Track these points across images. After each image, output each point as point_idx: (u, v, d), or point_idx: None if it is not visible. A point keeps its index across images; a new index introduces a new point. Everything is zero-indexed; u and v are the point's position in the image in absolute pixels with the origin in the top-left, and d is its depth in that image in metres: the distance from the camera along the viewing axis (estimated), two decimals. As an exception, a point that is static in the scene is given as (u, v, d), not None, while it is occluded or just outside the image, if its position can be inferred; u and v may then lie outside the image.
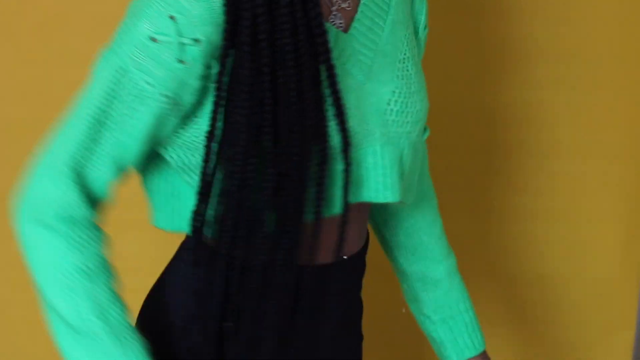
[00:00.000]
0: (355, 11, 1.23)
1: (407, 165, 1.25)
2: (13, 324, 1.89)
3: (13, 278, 1.87)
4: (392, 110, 1.22)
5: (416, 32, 1.33)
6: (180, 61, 1.12)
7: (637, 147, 1.95)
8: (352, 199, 1.20)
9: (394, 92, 1.23)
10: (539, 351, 2.01)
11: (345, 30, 1.22)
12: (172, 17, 1.12)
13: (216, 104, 1.13)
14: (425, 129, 1.33)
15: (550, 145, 1.93)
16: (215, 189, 1.16)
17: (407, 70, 1.25)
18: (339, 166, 1.17)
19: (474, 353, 1.43)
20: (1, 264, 1.86)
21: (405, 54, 1.26)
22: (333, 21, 1.21)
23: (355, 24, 1.23)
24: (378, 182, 1.22)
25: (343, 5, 1.23)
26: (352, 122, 1.17)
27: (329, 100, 1.14)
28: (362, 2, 1.24)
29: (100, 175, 1.16)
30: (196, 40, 1.12)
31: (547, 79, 1.89)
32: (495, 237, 1.97)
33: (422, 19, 1.34)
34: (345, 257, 1.25)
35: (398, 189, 1.23)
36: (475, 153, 1.92)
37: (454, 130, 1.87)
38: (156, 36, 1.12)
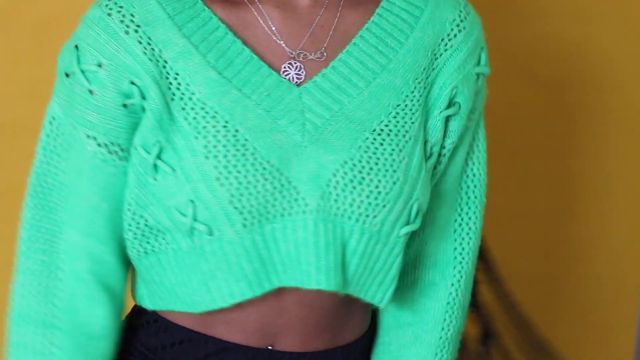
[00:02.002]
0: (326, 65, 1.11)
1: (355, 257, 1.08)
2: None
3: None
4: (337, 182, 1.06)
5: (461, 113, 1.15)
6: (90, 91, 1.08)
7: (638, 147, 1.95)
8: (278, 282, 1.07)
9: (345, 162, 1.07)
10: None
11: (302, 83, 1.09)
12: (76, 47, 1.09)
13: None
14: (408, 223, 1.10)
15: (550, 145, 1.93)
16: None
17: (379, 144, 1.09)
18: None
19: None
20: (1, 264, 1.85)
21: (384, 125, 1.09)
22: (286, 71, 1.10)
23: (318, 77, 1.10)
24: (309, 264, 1.06)
25: (312, 57, 1.11)
26: (265, 184, 1.05)
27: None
28: (340, 56, 1.11)
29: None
30: (99, 65, 1.07)
31: (547, 78, 1.89)
32: (495, 237, 1.97)
33: (478, 103, 1.17)
34: (271, 347, 1.11)
35: (334, 276, 1.06)
36: (476, 153, 1.92)
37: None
38: (67, 70, 1.10)
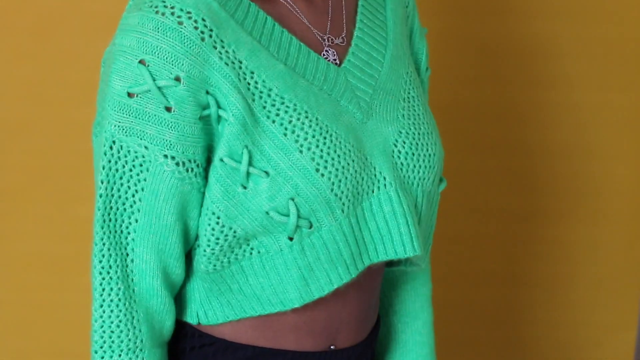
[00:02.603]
0: (350, 44, 1.12)
1: (423, 219, 1.13)
2: (13, 324, 1.89)
3: (13, 278, 1.87)
4: (399, 152, 1.10)
5: (418, 73, 1.22)
6: (167, 108, 1.02)
7: (638, 147, 1.95)
8: (369, 260, 1.08)
9: (400, 132, 1.10)
10: (540, 351, 2.01)
11: (339, 64, 1.11)
12: (141, 62, 1.01)
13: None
14: (441, 180, 1.17)
15: (551, 145, 1.93)
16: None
17: (414, 110, 1.13)
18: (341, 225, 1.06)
19: None
20: (1, 264, 1.86)
21: (409, 93, 1.14)
22: (326, 57, 1.10)
23: (349, 57, 1.12)
24: (401, 234, 1.08)
25: (337, 42, 1.12)
26: (354, 166, 1.06)
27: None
28: (355, 34, 1.14)
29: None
30: (176, 79, 1.01)
31: (548, 77, 1.89)
32: (496, 237, 1.97)
33: (423, 60, 1.22)
34: (333, 347, 1.13)
35: (420, 241, 1.10)
36: (476, 153, 1.91)
37: (455, 130, 1.87)
38: (131, 90, 1.02)
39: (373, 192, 1.07)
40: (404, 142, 1.10)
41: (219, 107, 1.03)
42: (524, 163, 1.93)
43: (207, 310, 1.11)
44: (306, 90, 1.06)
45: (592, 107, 1.93)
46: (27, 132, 1.80)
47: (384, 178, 1.08)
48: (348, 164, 1.05)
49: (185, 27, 1.01)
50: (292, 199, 1.04)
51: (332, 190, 1.04)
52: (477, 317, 1.96)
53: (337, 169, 1.05)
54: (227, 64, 1.03)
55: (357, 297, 1.12)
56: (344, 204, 1.05)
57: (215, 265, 1.08)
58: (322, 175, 1.04)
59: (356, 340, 1.14)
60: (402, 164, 1.09)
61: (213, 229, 1.06)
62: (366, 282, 1.13)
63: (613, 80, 1.90)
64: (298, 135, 1.04)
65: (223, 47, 1.03)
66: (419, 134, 1.11)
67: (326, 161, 1.04)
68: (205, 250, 1.07)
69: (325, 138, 1.05)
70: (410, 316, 1.27)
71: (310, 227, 1.05)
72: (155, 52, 1.01)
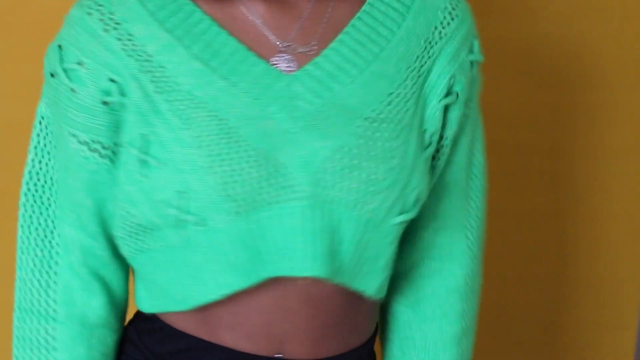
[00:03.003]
0: (318, 54, 1.10)
1: (348, 244, 1.07)
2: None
3: (13, 278, 1.87)
4: (330, 169, 1.05)
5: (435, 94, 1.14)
6: (72, 90, 1.10)
7: (639, 146, 1.95)
8: (266, 273, 1.06)
9: (339, 148, 1.05)
10: (540, 351, 2.01)
11: (292, 71, 1.09)
12: (59, 46, 1.12)
13: None
14: (405, 212, 1.10)
15: (552, 145, 1.93)
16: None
17: (374, 131, 1.07)
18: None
19: None
20: (1, 264, 1.85)
21: (378, 113, 1.08)
22: (275, 63, 1.09)
23: (308, 66, 1.09)
24: (301, 251, 1.05)
25: (302, 50, 1.10)
26: (257, 171, 1.04)
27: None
28: (332, 45, 1.11)
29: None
30: (79, 64, 1.09)
31: (548, 78, 1.89)
32: (496, 237, 1.97)
33: (459, 89, 1.15)
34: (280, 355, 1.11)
35: (326, 263, 1.05)
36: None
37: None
38: (52, 70, 1.12)
39: (279, 203, 1.04)
40: (341, 160, 1.05)
41: (122, 95, 1.08)
42: (524, 163, 1.93)
43: (142, 298, 1.15)
44: (221, 90, 1.07)
45: (594, 106, 1.93)
46: (27, 132, 1.79)
47: (296, 191, 1.05)
48: (247, 167, 1.04)
49: (92, 17, 1.09)
50: (181, 193, 1.05)
51: (223, 189, 1.04)
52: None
53: (233, 170, 1.04)
54: (130, 56, 1.08)
55: (303, 311, 1.10)
56: (239, 207, 1.04)
57: (131, 251, 1.11)
58: (215, 173, 1.04)
59: (311, 356, 1.12)
60: (329, 181, 1.05)
61: (120, 213, 1.10)
62: (317, 299, 1.10)
63: (613, 79, 1.90)
64: (196, 131, 1.05)
65: (130, 39, 1.09)
66: (365, 154, 1.06)
67: (222, 160, 1.04)
68: (119, 234, 1.11)
69: (227, 138, 1.05)
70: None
71: (202, 224, 1.05)
72: (68, 39, 1.11)
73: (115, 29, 1.09)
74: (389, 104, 1.09)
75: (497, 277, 1.96)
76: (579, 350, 2.01)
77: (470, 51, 1.17)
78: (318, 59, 1.09)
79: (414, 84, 1.12)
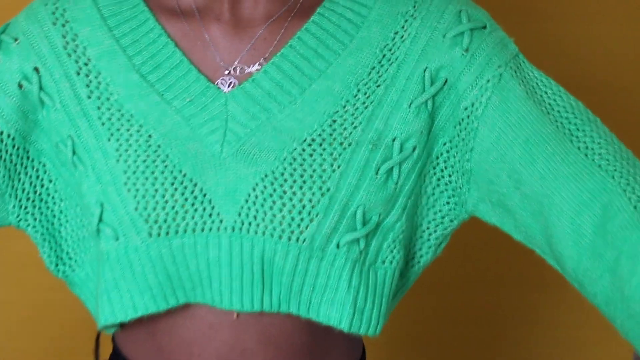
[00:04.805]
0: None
1: (284, 275, 1.00)
2: (13, 324, 1.89)
3: (13, 278, 1.87)
4: (256, 198, 0.99)
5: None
6: None
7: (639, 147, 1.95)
8: (186, 298, 1.02)
9: (266, 176, 1.00)
10: (540, 351, 2.01)
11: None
12: (9, 22, 1.12)
13: None
14: (352, 231, 1.02)
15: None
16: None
17: (308, 155, 1.01)
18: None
19: None
20: (1, 264, 1.86)
21: (317, 135, 1.01)
22: (220, 86, 1.05)
23: (245, 84, 1.04)
24: (221, 282, 1.00)
25: (250, 70, 1.06)
26: (175, 196, 1.00)
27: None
28: (274, 59, 1.05)
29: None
30: (15, 39, 1.09)
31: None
32: (495, 237, 1.96)
33: (411, 90, 1.04)
34: None
35: (253, 296, 1.00)
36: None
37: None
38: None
39: (203, 230, 0.99)
40: (265, 188, 0.99)
41: (41, 88, 1.07)
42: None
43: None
44: (154, 106, 1.04)
45: (594, 106, 1.92)
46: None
47: (221, 221, 1.00)
48: (166, 190, 1.00)
49: (46, 9, 1.09)
50: (102, 203, 1.03)
51: (136, 209, 1.01)
52: (476, 318, 1.96)
53: (146, 189, 1.01)
54: (69, 55, 1.07)
55: (260, 351, 1.04)
56: (151, 228, 1.00)
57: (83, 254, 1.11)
58: (129, 190, 1.01)
59: None
60: (257, 211, 0.99)
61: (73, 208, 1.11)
62: (273, 336, 1.04)
63: (613, 78, 1.90)
64: (120, 144, 1.03)
65: (74, 40, 1.08)
66: (294, 181, 0.99)
67: (137, 178, 1.01)
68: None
69: (148, 156, 1.02)
70: None
71: (117, 240, 1.02)
72: (20, 19, 1.11)
73: (63, 25, 1.08)
74: (332, 123, 1.02)
75: (496, 277, 1.96)
76: (579, 350, 2.01)
77: (454, 26, 1.05)
78: (257, 76, 1.04)
79: (367, 97, 1.04)
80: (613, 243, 0.96)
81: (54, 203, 1.11)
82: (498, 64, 1.05)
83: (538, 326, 2.00)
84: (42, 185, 1.10)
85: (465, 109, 1.04)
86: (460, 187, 1.09)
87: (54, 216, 1.11)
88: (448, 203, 1.11)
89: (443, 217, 1.12)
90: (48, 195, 1.11)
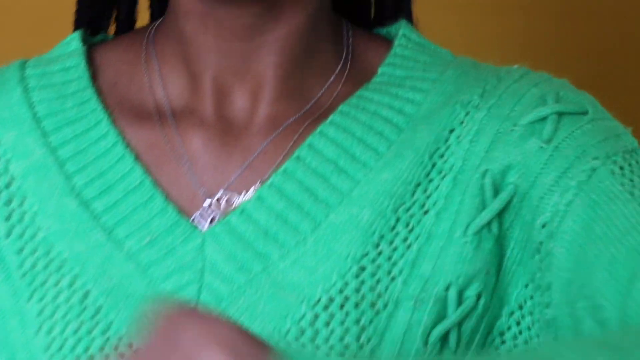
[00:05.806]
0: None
1: None
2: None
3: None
4: None
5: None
6: None
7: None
8: None
9: None
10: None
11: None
12: None
13: None
14: None
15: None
16: None
17: (324, 324, 0.70)
18: None
19: None
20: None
21: (338, 292, 0.70)
22: (196, 219, 0.75)
23: (232, 217, 0.73)
24: None
25: (241, 199, 0.75)
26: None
27: None
28: (272, 179, 0.74)
29: None
30: None
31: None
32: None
33: (470, 212, 0.72)
34: None
35: None
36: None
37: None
38: None
39: None
40: None
41: None
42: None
43: None
44: (97, 249, 0.74)
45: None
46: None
47: None
48: None
49: None
50: None
51: None
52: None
53: None
54: None
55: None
56: None
57: None
58: None
59: None
60: None
61: None
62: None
63: (613, 78, 1.90)
64: (44, 306, 0.73)
65: None
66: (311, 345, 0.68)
67: (76, 354, 0.71)
68: None
69: (80, 324, 0.72)
70: None
71: None
72: None
73: None
74: (360, 273, 0.71)
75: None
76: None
77: (528, 116, 0.75)
78: (248, 205, 0.73)
79: (411, 230, 0.74)
80: None
81: None
82: (594, 155, 0.73)
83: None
84: None
85: (543, 226, 0.72)
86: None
87: None
88: None
89: None
90: None
